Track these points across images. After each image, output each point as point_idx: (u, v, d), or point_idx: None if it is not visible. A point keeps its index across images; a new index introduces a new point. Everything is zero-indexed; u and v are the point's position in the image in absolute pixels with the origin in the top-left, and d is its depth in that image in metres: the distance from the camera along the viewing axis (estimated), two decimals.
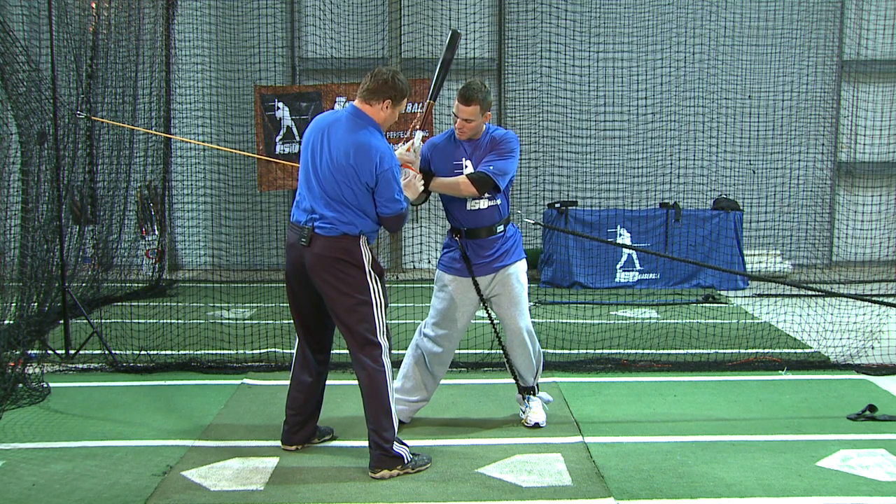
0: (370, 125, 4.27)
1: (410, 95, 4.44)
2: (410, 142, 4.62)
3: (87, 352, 6.70)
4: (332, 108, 10.07)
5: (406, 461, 4.34)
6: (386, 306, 4.38)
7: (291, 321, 4.61)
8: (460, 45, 4.92)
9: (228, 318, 8.18)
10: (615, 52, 11.04)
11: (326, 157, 4.24)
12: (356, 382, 4.46)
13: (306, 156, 4.34)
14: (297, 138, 10.19)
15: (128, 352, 6.66)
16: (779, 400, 5.68)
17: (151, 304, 8.84)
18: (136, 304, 8.78)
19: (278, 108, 10.18)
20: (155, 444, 4.79)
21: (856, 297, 7.04)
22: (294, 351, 4.68)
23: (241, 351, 6.79)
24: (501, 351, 5.11)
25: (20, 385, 5.63)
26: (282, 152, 10.16)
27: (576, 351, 6.86)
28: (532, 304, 6.74)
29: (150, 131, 9.49)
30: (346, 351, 4.46)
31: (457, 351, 5.23)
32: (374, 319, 4.30)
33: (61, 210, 6.90)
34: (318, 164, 4.27)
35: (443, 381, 5.22)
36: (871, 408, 5.27)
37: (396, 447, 4.32)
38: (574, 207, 10.48)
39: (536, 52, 11.08)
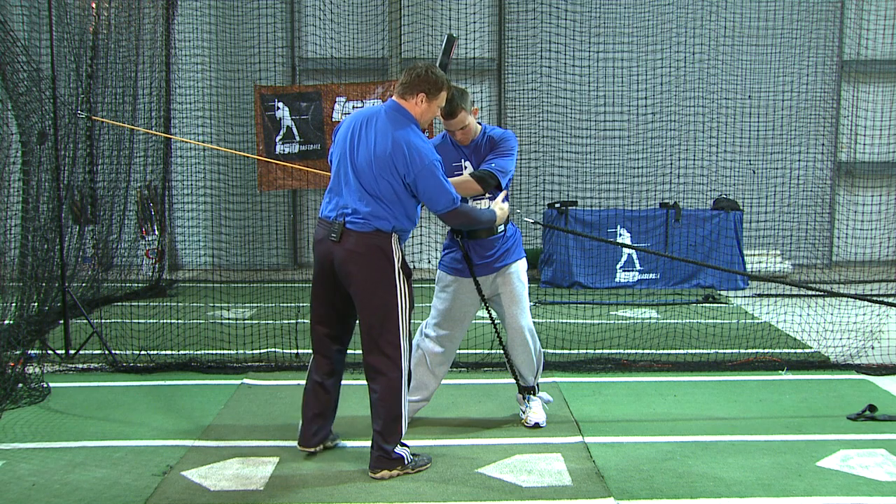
0: (409, 120, 4.23)
1: (449, 89, 4.37)
2: None
3: (87, 352, 6.69)
4: (332, 108, 10.09)
5: (406, 462, 4.33)
6: (411, 308, 4.31)
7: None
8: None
9: (228, 318, 8.18)
10: (615, 52, 11.04)
11: (364, 150, 4.19)
12: (358, 382, 4.46)
13: (343, 148, 4.27)
14: (298, 138, 10.19)
15: (128, 352, 6.66)
16: (779, 400, 5.68)
17: (151, 304, 8.84)
18: (136, 304, 8.78)
19: (278, 108, 10.17)
20: (155, 444, 4.79)
21: (856, 296, 7.04)
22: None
23: (241, 351, 6.78)
24: (502, 350, 5.11)
25: (20, 385, 5.63)
26: (282, 152, 10.15)
27: (576, 351, 6.86)
28: (532, 304, 6.74)
29: (150, 131, 9.49)
30: (354, 351, 4.43)
31: (457, 351, 5.23)
32: (397, 320, 4.23)
33: (61, 210, 6.90)
34: (355, 157, 4.21)
35: (443, 381, 5.21)
36: (871, 408, 5.27)
37: (398, 449, 4.31)
38: (574, 207, 10.48)
39: (536, 52, 11.08)
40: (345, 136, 4.29)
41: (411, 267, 4.69)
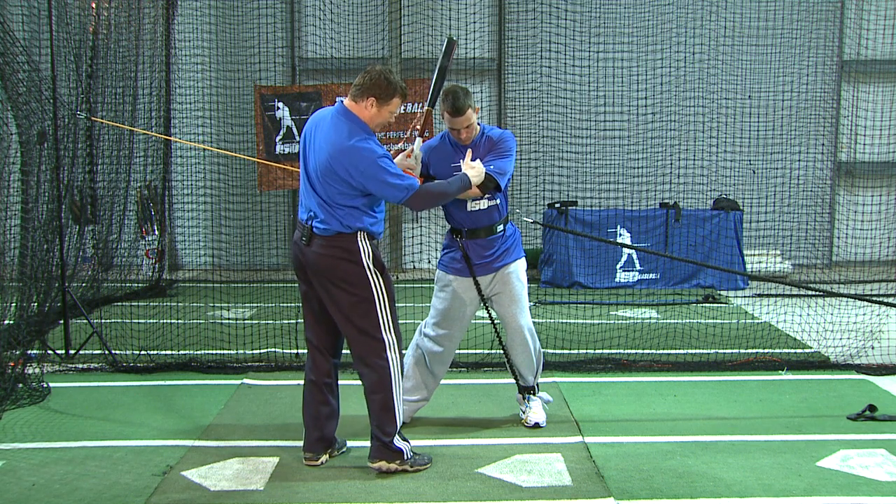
0: (354, 123, 4.17)
1: (404, 96, 4.29)
2: (410, 147, 4.61)
3: (87, 352, 6.69)
4: None
5: (406, 457, 4.34)
6: (391, 301, 4.30)
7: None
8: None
9: (228, 318, 8.18)
10: (615, 52, 11.04)
11: (313, 156, 4.21)
12: (356, 382, 4.45)
13: (302, 155, 4.32)
14: (297, 138, 10.20)
15: (128, 352, 6.66)
16: (779, 400, 5.68)
17: (151, 304, 8.83)
18: (136, 304, 8.78)
19: (278, 108, 10.18)
20: (155, 444, 4.79)
21: (856, 296, 7.04)
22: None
23: (241, 351, 6.78)
24: (502, 350, 5.11)
25: (20, 385, 5.64)
26: (282, 152, 10.16)
27: (576, 351, 6.85)
28: (532, 304, 6.74)
29: (149, 132, 9.49)
30: (347, 350, 4.44)
31: (457, 351, 5.23)
32: (376, 316, 4.23)
33: (61, 210, 6.90)
34: (308, 164, 4.25)
35: (443, 381, 5.22)
36: (871, 408, 5.27)
37: (397, 442, 4.32)
38: (574, 207, 10.48)
39: (536, 52, 11.08)
40: (302, 143, 4.33)
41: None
